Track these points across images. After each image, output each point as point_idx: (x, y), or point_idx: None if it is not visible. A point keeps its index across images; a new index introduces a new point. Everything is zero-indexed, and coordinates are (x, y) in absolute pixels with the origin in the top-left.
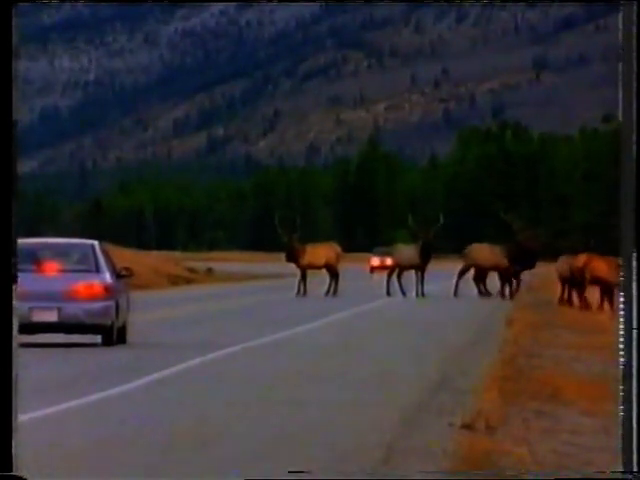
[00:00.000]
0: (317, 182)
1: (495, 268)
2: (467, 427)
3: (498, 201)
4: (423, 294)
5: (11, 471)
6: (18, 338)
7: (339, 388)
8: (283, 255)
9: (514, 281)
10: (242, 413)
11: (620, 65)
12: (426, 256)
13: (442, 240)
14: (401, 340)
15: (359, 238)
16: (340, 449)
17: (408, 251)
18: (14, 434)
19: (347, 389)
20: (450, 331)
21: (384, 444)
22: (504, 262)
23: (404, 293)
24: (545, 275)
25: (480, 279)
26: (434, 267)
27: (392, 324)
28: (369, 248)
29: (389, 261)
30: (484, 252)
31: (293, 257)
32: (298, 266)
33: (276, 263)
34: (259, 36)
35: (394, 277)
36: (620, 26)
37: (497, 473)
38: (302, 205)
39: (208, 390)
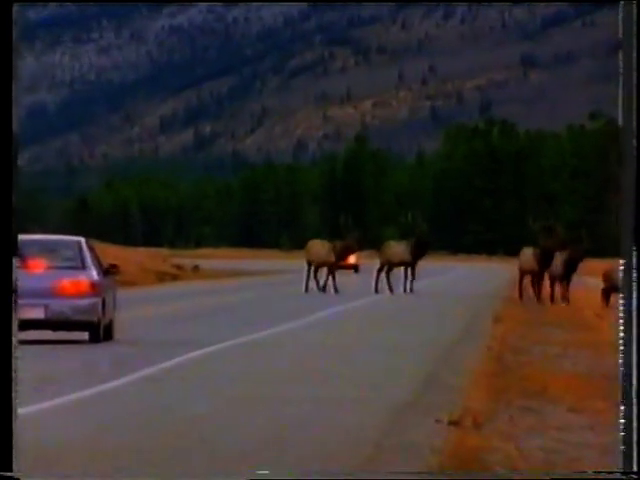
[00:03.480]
0: (304, 179)
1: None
2: (454, 424)
3: (485, 198)
4: (412, 290)
5: (11, 471)
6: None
7: (325, 385)
8: (266, 252)
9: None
10: (228, 410)
11: (620, 64)
12: (420, 253)
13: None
14: (388, 337)
15: (346, 235)
16: (327, 447)
17: (398, 248)
18: (14, 434)
19: (333, 386)
20: (437, 328)
21: (371, 441)
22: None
23: (392, 290)
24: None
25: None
26: (422, 263)
27: (378, 321)
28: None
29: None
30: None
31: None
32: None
33: (263, 260)
34: (246, 33)
35: (381, 274)
36: (620, 26)
37: (485, 470)
38: (289, 202)
39: (194, 388)
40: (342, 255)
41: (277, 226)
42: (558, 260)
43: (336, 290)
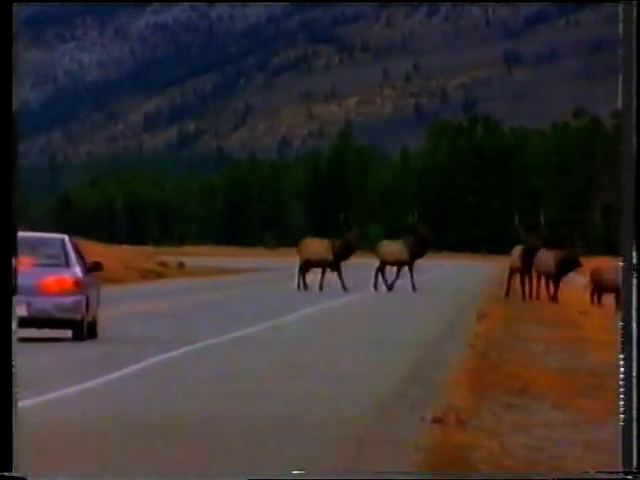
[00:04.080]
0: (289, 176)
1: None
2: (438, 421)
3: (469, 195)
4: (414, 288)
5: (11, 471)
6: None
7: (309, 382)
8: (251, 249)
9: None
10: (210, 408)
11: (620, 64)
12: (420, 252)
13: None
14: (371, 334)
15: (330, 232)
16: (310, 444)
17: (393, 247)
18: (14, 433)
19: (317, 383)
20: (421, 325)
21: (355, 439)
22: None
23: (390, 286)
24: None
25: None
26: None
27: (362, 318)
28: None
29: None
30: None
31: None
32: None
33: (247, 257)
34: (230, 30)
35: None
36: (620, 26)
37: (469, 467)
38: (274, 199)
39: (178, 385)
40: (341, 253)
41: (261, 223)
42: (551, 260)
43: (344, 288)
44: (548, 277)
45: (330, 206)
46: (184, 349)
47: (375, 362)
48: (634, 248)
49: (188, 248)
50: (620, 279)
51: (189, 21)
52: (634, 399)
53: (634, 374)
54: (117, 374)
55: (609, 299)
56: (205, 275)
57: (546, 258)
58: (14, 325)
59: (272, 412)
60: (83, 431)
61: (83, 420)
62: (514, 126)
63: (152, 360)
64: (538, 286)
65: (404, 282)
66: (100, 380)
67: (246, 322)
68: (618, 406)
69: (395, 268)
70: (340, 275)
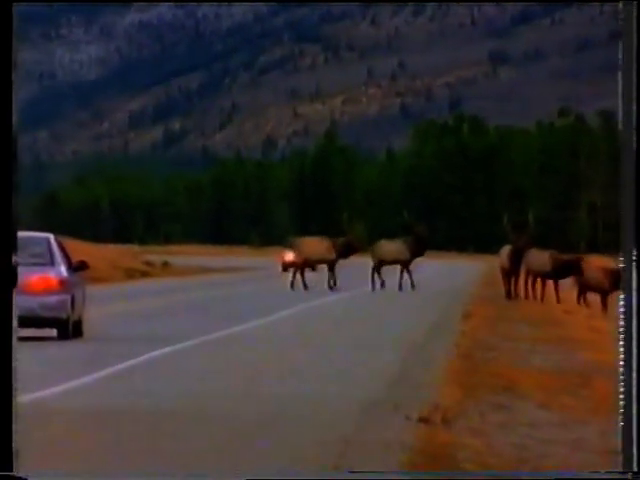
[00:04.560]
0: (274, 175)
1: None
2: (424, 420)
3: (455, 194)
4: (413, 286)
5: (11, 471)
6: None
7: (296, 382)
8: (236, 248)
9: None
10: (195, 407)
11: (620, 64)
12: (419, 250)
13: (399, 234)
14: (357, 333)
15: (315, 231)
16: (297, 443)
17: (391, 247)
18: (14, 433)
19: (304, 383)
20: (407, 324)
21: (341, 438)
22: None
23: (383, 284)
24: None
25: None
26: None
27: (348, 317)
28: None
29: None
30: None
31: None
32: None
33: (232, 256)
34: (216, 29)
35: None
36: (620, 26)
37: (454, 466)
38: (259, 198)
39: (163, 384)
40: (344, 253)
41: (247, 222)
42: (547, 260)
43: (331, 287)
44: (544, 278)
45: (315, 205)
46: (168, 349)
47: (360, 361)
48: (634, 247)
49: (173, 247)
50: (603, 278)
51: (175, 20)
52: (634, 399)
53: (634, 374)
54: (103, 373)
55: (596, 298)
56: (190, 274)
57: (542, 260)
58: (14, 324)
59: (258, 411)
60: (67, 429)
61: (67, 419)
62: (500, 125)
63: (138, 359)
64: (533, 287)
65: (392, 281)
66: (85, 379)
67: (231, 322)
68: (604, 405)
69: (396, 267)
70: (333, 273)
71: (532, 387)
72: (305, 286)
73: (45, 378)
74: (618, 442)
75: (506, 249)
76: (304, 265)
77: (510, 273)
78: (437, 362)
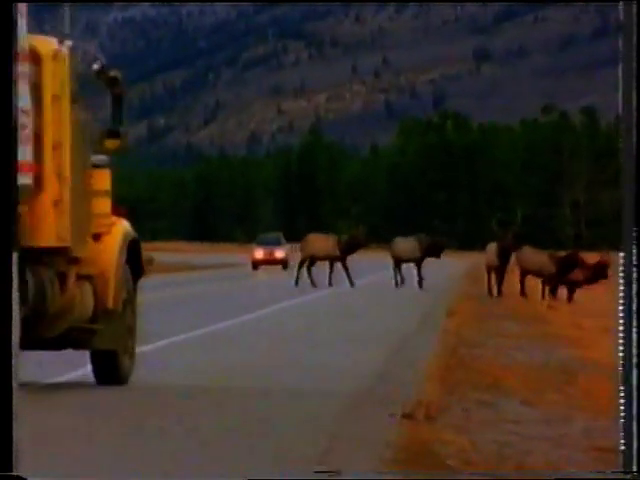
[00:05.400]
0: (259, 172)
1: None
2: (408, 417)
3: (439, 191)
4: (421, 286)
5: (11, 471)
6: None
7: (280, 378)
8: (221, 245)
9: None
10: (179, 403)
11: (620, 68)
12: (433, 251)
13: (383, 229)
14: (341, 329)
15: (301, 227)
16: (281, 439)
17: (405, 244)
18: (14, 433)
19: (288, 379)
20: (391, 321)
21: (324, 434)
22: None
23: (403, 282)
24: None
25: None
26: (378, 256)
27: (333, 313)
28: None
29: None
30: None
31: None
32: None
33: (217, 253)
34: (200, 26)
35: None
36: (620, 26)
37: (438, 463)
38: (244, 195)
39: (146, 381)
40: (348, 250)
41: (231, 219)
42: (547, 260)
43: (352, 283)
44: (543, 278)
45: (300, 201)
46: (151, 346)
47: (344, 357)
48: (634, 245)
49: (158, 243)
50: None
51: (159, 16)
52: (634, 399)
53: (634, 373)
54: (81, 371)
55: (580, 296)
56: (175, 271)
57: (540, 258)
58: (14, 324)
59: (242, 407)
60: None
61: (37, 418)
62: (483, 122)
63: None
64: (543, 287)
65: (373, 279)
66: (66, 377)
67: (215, 318)
68: (588, 402)
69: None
70: (347, 271)
71: (516, 384)
72: (313, 283)
73: (35, 374)
74: (602, 439)
75: (493, 246)
76: (310, 261)
77: (497, 270)
78: (421, 358)
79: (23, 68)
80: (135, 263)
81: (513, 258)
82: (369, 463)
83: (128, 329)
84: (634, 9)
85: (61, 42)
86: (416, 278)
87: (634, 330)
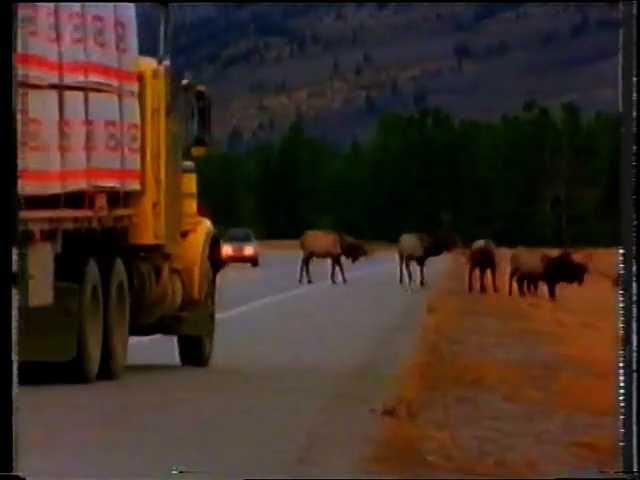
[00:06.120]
0: (240, 168)
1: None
2: (389, 413)
3: (420, 188)
4: (422, 283)
5: (11, 471)
6: None
7: (260, 375)
8: None
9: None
10: (160, 399)
11: (620, 67)
12: (433, 250)
13: (365, 227)
14: (322, 325)
15: (281, 225)
16: (261, 436)
17: (410, 242)
18: (14, 433)
19: (268, 376)
20: (372, 317)
21: (305, 431)
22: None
23: (410, 278)
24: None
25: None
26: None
27: (312, 310)
28: (291, 235)
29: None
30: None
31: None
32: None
33: None
34: (181, 21)
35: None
36: (620, 26)
37: (419, 459)
38: (225, 191)
39: (126, 377)
40: (349, 252)
41: (212, 215)
42: (538, 261)
43: (345, 280)
44: (538, 279)
45: (281, 198)
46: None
47: (325, 354)
48: (634, 242)
49: None
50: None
51: (138, 12)
52: (634, 398)
53: (634, 373)
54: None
55: (564, 292)
56: None
57: (534, 259)
58: (14, 321)
59: (223, 403)
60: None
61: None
62: (464, 119)
63: None
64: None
65: (355, 275)
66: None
67: None
68: (568, 398)
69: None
70: (341, 267)
71: (497, 380)
72: (309, 279)
73: None
74: (582, 435)
75: (476, 244)
76: (309, 258)
77: (481, 267)
78: (402, 355)
79: (133, 87)
80: (215, 258)
81: (498, 257)
82: (350, 460)
83: (210, 316)
84: (634, 9)
85: (160, 62)
86: (415, 275)
87: (634, 330)
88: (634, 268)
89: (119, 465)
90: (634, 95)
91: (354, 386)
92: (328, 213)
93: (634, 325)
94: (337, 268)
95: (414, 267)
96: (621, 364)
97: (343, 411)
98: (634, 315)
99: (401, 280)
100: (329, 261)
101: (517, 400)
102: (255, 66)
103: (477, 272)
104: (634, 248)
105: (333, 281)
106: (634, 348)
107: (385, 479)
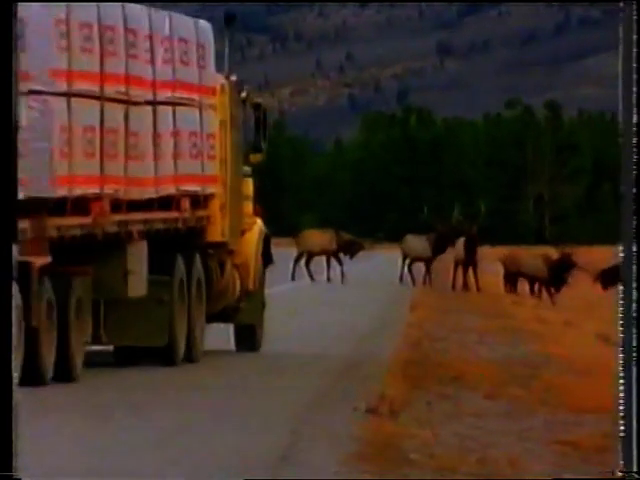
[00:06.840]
0: None
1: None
2: (371, 411)
3: (403, 186)
4: (430, 284)
5: (11, 471)
6: None
7: (244, 373)
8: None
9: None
10: (142, 398)
11: (620, 67)
12: (440, 248)
13: (348, 225)
14: (305, 323)
15: (264, 222)
16: (246, 434)
17: (415, 243)
18: (14, 433)
19: (251, 374)
20: (354, 315)
21: (289, 429)
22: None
23: (414, 281)
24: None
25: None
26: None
27: (295, 308)
28: (275, 232)
29: None
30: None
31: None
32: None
33: None
34: None
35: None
36: (620, 26)
37: (402, 456)
38: None
39: (105, 376)
40: (346, 248)
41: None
42: (541, 263)
43: (340, 277)
44: (539, 281)
45: (264, 196)
46: None
47: (308, 352)
48: (634, 241)
49: None
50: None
51: None
52: (634, 398)
53: (634, 373)
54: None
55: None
56: None
57: (534, 261)
58: (14, 320)
59: (207, 402)
60: None
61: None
62: (447, 117)
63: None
64: (515, 285)
65: (336, 273)
66: None
67: None
68: (550, 396)
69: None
70: (340, 264)
71: (479, 378)
72: (311, 277)
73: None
74: (564, 433)
75: (461, 241)
76: (306, 256)
77: (465, 264)
78: (384, 353)
79: (211, 100)
80: (265, 254)
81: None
82: (333, 458)
83: (262, 306)
84: (634, 9)
85: (227, 77)
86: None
87: (634, 330)
88: (634, 268)
89: (118, 465)
90: (634, 95)
91: (337, 384)
92: (311, 210)
93: (634, 325)
94: (336, 266)
95: (416, 267)
96: (621, 364)
97: (326, 409)
98: (634, 315)
99: (401, 279)
100: (325, 259)
101: (499, 398)
102: (238, 64)
103: (460, 270)
104: (634, 248)
105: (328, 279)
106: (634, 348)
107: (368, 478)
